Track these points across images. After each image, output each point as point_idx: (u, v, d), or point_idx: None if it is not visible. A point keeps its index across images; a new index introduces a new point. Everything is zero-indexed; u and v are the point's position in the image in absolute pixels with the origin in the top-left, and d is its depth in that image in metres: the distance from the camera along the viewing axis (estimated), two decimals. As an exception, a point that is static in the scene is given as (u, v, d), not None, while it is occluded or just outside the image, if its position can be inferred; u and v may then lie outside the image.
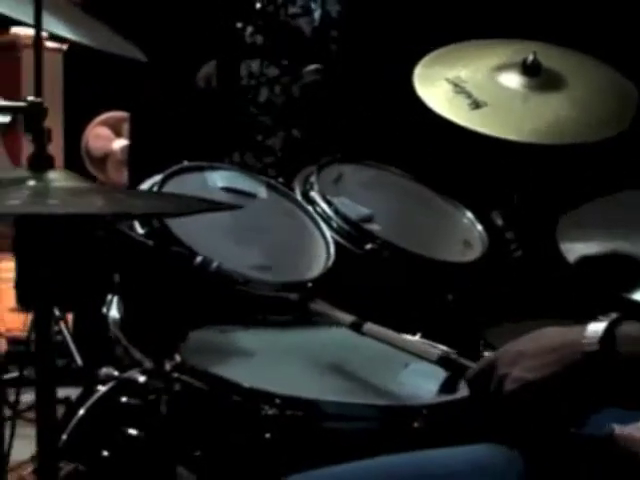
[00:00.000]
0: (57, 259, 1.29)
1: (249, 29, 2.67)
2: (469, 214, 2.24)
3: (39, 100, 1.30)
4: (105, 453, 1.84)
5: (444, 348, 1.59)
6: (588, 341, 1.21)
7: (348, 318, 1.60)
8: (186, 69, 2.88)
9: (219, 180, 2.00)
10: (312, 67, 2.18)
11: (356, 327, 1.59)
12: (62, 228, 1.26)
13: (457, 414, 1.51)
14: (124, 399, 1.99)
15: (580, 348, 1.21)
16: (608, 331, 1.20)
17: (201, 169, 2.01)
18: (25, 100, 1.28)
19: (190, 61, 2.86)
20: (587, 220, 2.21)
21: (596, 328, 1.22)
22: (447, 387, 1.56)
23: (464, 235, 2.20)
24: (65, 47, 4.01)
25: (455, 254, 2.13)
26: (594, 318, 2.14)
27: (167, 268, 1.70)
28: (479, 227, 2.21)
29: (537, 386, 1.22)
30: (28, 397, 2.76)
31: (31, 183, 1.27)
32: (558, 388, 1.21)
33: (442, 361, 1.44)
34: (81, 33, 1.86)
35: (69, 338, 3.18)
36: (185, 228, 1.87)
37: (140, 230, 1.86)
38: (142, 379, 2.12)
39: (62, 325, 3.20)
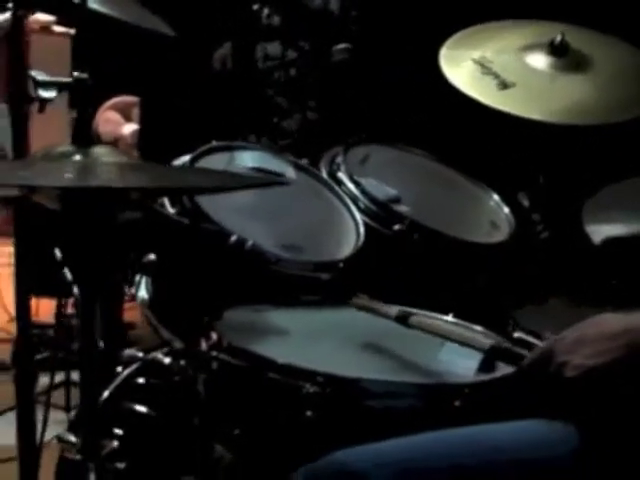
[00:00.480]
0: (103, 237, 1.28)
1: (265, 11, 2.65)
2: (495, 196, 2.23)
3: (84, 76, 1.28)
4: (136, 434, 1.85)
5: (494, 336, 1.58)
6: None
7: (393, 311, 1.58)
8: (201, 52, 2.87)
9: (248, 160, 1.98)
10: (341, 46, 2.16)
11: (402, 320, 1.57)
12: (110, 204, 1.24)
13: (497, 393, 1.51)
14: (150, 380, 2.00)
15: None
16: None
17: (230, 149, 2.00)
18: (71, 76, 1.27)
19: (205, 43, 2.84)
20: (612, 202, 2.20)
21: None
22: (486, 365, 1.56)
23: (491, 217, 2.19)
24: (73, 32, 3.99)
25: (483, 235, 2.12)
26: (620, 300, 2.15)
27: (201, 246, 1.69)
28: (505, 209, 2.21)
29: (600, 372, 1.22)
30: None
31: (77, 158, 1.26)
32: (621, 374, 1.21)
33: (494, 351, 1.43)
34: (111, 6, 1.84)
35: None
36: (215, 208, 1.86)
37: (171, 210, 1.85)
38: (167, 360, 2.13)
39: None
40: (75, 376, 2.83)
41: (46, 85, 1.43)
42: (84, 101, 1.26)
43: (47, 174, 1.19)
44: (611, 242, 2.13)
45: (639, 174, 2.19)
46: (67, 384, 2.79)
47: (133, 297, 2.24)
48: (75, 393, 2.87)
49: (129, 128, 4.23)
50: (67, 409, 2.76)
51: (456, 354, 1.62)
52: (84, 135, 1.29)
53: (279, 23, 2.63)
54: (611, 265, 2.13)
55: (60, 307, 2.72)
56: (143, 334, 2.27)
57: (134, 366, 2.08)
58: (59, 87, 1.45)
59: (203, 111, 2.81)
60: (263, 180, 1.58)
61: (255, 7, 2.64)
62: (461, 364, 1.58)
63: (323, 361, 1.54)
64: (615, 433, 1.26)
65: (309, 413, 1.48)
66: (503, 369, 1.55)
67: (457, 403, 1.48)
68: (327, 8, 2.58)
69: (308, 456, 1.44)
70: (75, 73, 1.26)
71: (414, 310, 1.64)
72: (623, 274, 2.12)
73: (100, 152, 1.28)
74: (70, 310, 2.81)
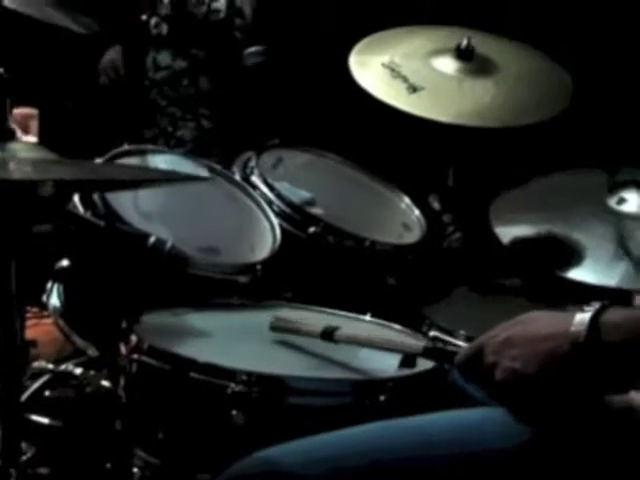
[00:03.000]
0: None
1: (154, 20, 2.64)
2: (406, 198, 2.26)
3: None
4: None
5: (415, 335, 1.59)
6: (575, 328, 1.23)
7: (317, 329, 1.57)
8: (89, 61, 2.83)
9: (161, 163, 1.97)
10: (254, 49, 2.16)
11: (328, 336, 1.56)
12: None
13: (422, 386, 1.52)
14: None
15: (568, 339, 1.22)
16: (593, 320, 1.22)
17: (143, 152, 1.98)
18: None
19: (93, 52, 2.81)
20: (517, 204, 2.26)
21: (582, 318, 1.23)
22: (407, 360, 1.57)
23: (403, 218, 2.22)
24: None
25: (395, 237, 2.15)
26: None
27: (119, 249, 1.66)
28: (416, 211, 2.24)
29: (527, 376, 1.23)
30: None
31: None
32: (548, 378, 1.22)
33: (428, 352, 1.43)
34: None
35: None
36: (129, 211, 1.84)
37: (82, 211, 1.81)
38: (78, 371, 2.08)
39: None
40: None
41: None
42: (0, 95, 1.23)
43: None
44: (519, 242, 2.18)
45: (541, 176, 2.25)
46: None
47: (35, 314, 2.19)
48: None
49: (28, 140, 4.17)
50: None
51: (376, 352, 1.63)
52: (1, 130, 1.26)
53: (167, 32, 2.62)
54: (519, 263, 2.18)
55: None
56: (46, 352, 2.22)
57: (44, 378, 2.04)
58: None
59: (99, 121, 2.78)
60: (182, 176, 1.56)
61: (144, 17, 2.63)
62: (382, 360, 1.59)
63: (246, 360, 1.53)
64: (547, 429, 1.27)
65: (234, 413, 1.46)
66: (424, 364, 1.57)
67: (382, 398, 1.49)
68: (229, 14, 2.58)
69: (235, 457, 1.43)
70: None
71: (336, 325, 1.62)
72: (529, 271, 2.17)
73: (16, 148, 1.25)
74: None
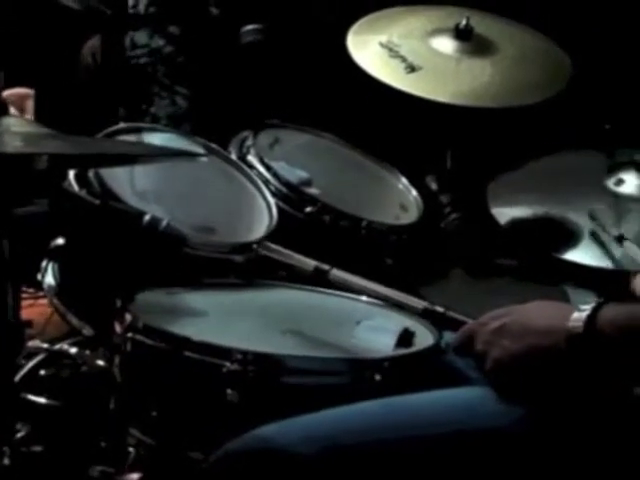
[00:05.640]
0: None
1: (131, 1, 2.62)
2: (403, 179, 2.25)
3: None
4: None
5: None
6: (572, 324, 1.21)
7: (309, 267, 1.54)
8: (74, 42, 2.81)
9: (157, 141, 1.95)
10: (251, 27, 2.15)
11: (321, 274, 1.53)
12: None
13: (417, 366, 1.52)
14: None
15: (564, 335, 1.21)
16: (591, 317, 1.20)
17: (138, 130, 1.96)
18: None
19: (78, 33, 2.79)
20: (514, 185, 2.25)
21: (579, 315, 1.22)
22: (404, 341, 1.56)
23: (400, 199, 2.21)
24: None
25: (392, 217, 2.14)
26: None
27: (114, 227, 1.65)
28: (414, 191, 2.23)
29: (517, 370, 1.22)
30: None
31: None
32: (540, 374, 1.21)
33: (428, 313, 1.42)
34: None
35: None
36: (124, 190, 1.82)
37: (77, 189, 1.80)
38: (73, 350, 2.08)
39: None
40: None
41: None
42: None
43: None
44: (516, 224, 2.17)
45: (539, 157, 2.25)
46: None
47: (31, 294, 2.18)
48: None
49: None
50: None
51: (373, 332, 1.62)
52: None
53: (144, 11, 2.60)
54: (516, 245, 2.18)
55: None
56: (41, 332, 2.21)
57: (39, 357, 2.03)
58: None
59: (89, 102, 2.76)
60: (177, 151, 1.54)
61: None
62: (378, 340, 1.59)
63: (241, 339, 1.52)
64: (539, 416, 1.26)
65: (230, 392, 1.46)
66: (420, 344, 1.56)
67: (378, 377, 1.48)
68: None
69: (230, 436, 1.43)
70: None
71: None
72: (526, 253, 2.17)
73: (10, 122, 1.24)
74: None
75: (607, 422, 1.24)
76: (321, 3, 2.56)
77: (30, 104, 3.99)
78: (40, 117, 3.38)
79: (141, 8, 2.62)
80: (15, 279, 1.93)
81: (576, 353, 1.20)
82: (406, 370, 1.51)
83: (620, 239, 1.99)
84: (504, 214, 2.17)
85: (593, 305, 1.22)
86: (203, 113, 2.52)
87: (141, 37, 2.61)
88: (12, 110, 4.15)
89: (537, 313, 1.27)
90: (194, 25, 2.55)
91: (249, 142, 2.11)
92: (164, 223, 1.63)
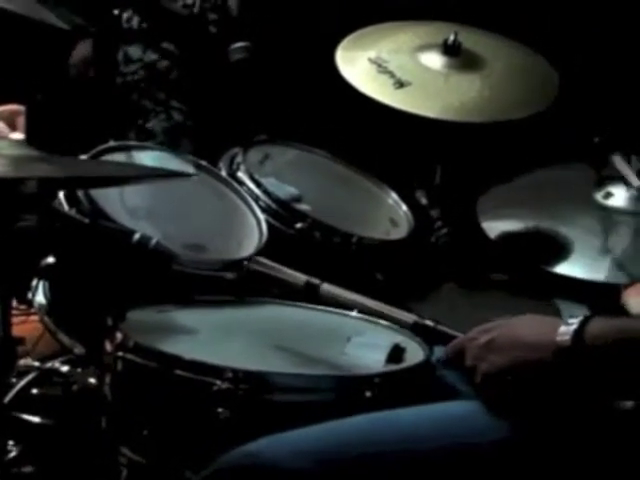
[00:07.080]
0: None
1: (125, 15, 2.63)
2: (394, 194, 2.26)
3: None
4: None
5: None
6: (560, 339, 1.22)
7: (300, 280, 1.55)
8: (60, 54, 2.82)
9: (147, 160, 1.95)
10: (239, 45, 2.16)
11: (311, 289, 1.53)
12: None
13: (408, 382, 1.52)
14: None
15: (551, 349, 1.22)
16: (578, 332, 1.21)
17: (128, 149, 1.97)
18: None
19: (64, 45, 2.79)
20: (503, 199, 2.26)
21: (567, 329, 1.22)
22: (394, 357, 1.57)
23: (390, 214, 2.22)
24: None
25: (383, 233, 2.15)
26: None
27: (104, 246, 1.65)
28: (404, 206, 2.24)
29: (506, 384, 1.23)
30: None
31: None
32: (529, 387, 1.22)
33: (418, 327, 1.42)
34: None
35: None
36: (114, 208, 1.83)
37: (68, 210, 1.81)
38: (65, 368, 2.07)
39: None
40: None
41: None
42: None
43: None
44: (506, 237, 2.18)
45: (528, 172, 2.26)
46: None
47: (23, 311, 2.18)
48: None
49: (15, 137, 4.15)
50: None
51: (363, 348, 1.63)
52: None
53: (138, 26, 2.60)
54: (506, 258, 2.19)
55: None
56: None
57: (30, 376, 2.03)
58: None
59: (80, 117, 2.76)
60: (168, 172, 1.55)
61: (115, 12, 2.61)
62: (368, 357, 1.59)
63: (232, 357, 1.52)
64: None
65: (220, 410, 1.46)
66: (410, 360, 1.57)
67: (368, 394, 1.49)
68: (203, 9, 2.56)
69: (221, 454, 1.42)
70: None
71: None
72: (516, 266, 2.18)
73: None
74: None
75: (594, 435, 1.25)
76: (311, 18, 2.57)
77: (21, 120, 4.00)
78: (31, 134, 3.39)
79: (135, 22, 2.63)
80: (5, 296, 1.93)
81: (564, 367, 1.21)
82: (397, 386, 1.52)
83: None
84: (494, 228, 2.18)
85: (581, 319, 1.23)
86: (200, 128, 2.52)
87: (135, 51, 2.61)
88: (2, 126, 4.16)
89: (525, 327, 1.28)
90: (189, 42, 2.56)
91: (239, 159, 2.11)
92: (153, 242, 1.64)
